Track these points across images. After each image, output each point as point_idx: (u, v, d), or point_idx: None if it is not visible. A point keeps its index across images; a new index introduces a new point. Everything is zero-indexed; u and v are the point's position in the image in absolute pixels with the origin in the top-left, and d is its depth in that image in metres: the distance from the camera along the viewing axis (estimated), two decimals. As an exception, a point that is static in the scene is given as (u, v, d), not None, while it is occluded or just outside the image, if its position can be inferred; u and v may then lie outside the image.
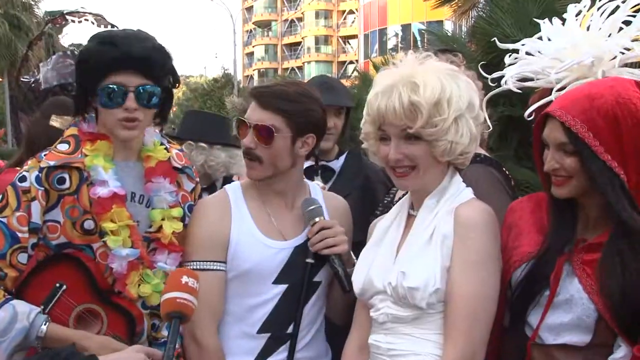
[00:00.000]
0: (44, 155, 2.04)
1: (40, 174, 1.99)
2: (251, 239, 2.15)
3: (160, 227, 2.12)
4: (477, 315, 1.78)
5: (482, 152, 2.40)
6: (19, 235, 1.96)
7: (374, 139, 1.93)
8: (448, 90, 1.79)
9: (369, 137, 1.95)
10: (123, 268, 2.02)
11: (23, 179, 2.00)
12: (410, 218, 1.96)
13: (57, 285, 1.98)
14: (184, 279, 1.80)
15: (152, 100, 2.04)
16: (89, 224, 2.02)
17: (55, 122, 2.98)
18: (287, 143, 2.13)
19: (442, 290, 1.79)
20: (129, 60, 1.98)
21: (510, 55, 2.20)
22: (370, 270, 1.93)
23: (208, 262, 2.12)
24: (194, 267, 2.11)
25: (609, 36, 2.04)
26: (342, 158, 3.09)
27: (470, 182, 1.98)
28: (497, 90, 2.22)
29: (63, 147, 2.07)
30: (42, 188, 1.99)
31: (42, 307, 1.95)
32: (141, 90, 2.01)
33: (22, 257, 1.98)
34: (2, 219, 1.96)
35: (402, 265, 1.84)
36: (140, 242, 2.07)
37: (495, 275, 1.84)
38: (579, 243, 1.83)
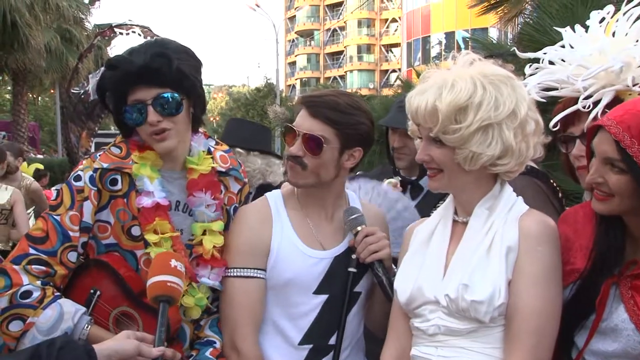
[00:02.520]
0: (99, 155, 2.09)
1: (94, 174, 2.04)
2: (292, 248, 2.14)
3: (201, 241, 2.13)
4: (543, 331, 1.73)
5: (531, 163, 2.35)
6: (71, 234, 2.00)
7: (417, 137, 1.92)
8: (478, 97, 1.73)
9: (414, 134, 1.95)
10: None
11: (78, 178, 2.05)
12: (456, 224, 1.92)
13: (92, 291, 2.01)
14: (173, 262, 1.79)
15: (174, 107, 2.04)
16: (135, 230, 2.06)
17: None
18: (335, 154, 2.12)
19: (505, 304, 1.74)
20: (132, 76, 1.99)
21: (530, 65, 2.14)
22: (419, 279, 1.88)
23: (249, 270, 2.12)
24: (234, 275, 2.11)
25: (637, 42, 1.97)
26: None
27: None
28: None
29: (116, 150, 2.11)
30: (95, 188, 2.03)
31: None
32: (159, 101, 2.02)
33: (72, 256, 2.02)
34: (56, 217, 2.01)
35: (461, 276, 1.78)
36: (183, 252, 2.09)
37: (560, 290, 1.78)
38: (629, 265, 1.74)
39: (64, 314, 1.91)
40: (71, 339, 1.82)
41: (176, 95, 2.04)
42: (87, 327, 1.93)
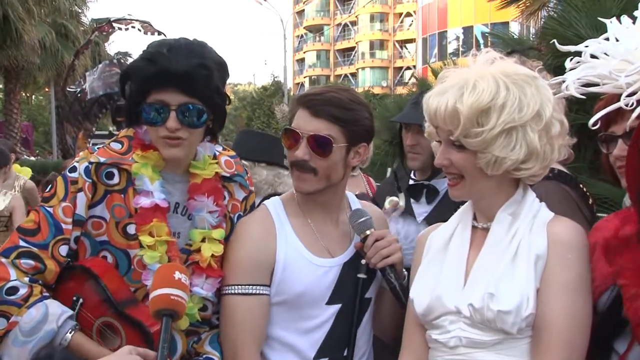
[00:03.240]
0: (97, 149, 2.11)
1: (89, 166, 2.06)
2: (300, 259, 2.13)
3: (199, 248, 2.13)
4: (574, 344, 1.72)
5: (558, 167, 2.34)
6: (63, 226, 2.02)
7: (435, 140, 1.92)
8: (502, 98, 1.72)
9: (432, 137, 1.94)
10: None
11: (73, 169, 2.08)
12: (475, 231, 1.92)
13: (74, 298, 2.01)
14: (177, 274, 1.78)
15: (197, 119, 2.05)
16: (131, 228, 2.07)
17: None
18: (343, 154, 2.12)
19: (534, 314, 1.73)
20: (168, 78, 1.99)
21: (571, 59, 2.12)
22: (437, 288, 1.88)
23: (251, 286, 2.10)
24: (236, 292, 2.10)
25: None
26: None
27: (540, 200, 1.92)
28: (558, 96, 2.15)
29: (116, 146, 2.13)
30: (90, 180, 2.05)
31: None
32: (184, 109, 2.02)
33: (63, 250, 2.03)
34: (48, 208, 2.03)
35: (485, 285, 1.77)
36: (178, 259, 2.09)
37: (590, 299, 1.78)
38: None
39: (49, 315, 1.91)
40: (69, 354, 1.82)
41: (202, 108, 2.05)
42: (70, 332, 1.93)
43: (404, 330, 2.02)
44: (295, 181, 2.16)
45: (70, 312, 1.96)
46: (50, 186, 2.09)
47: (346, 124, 2.09)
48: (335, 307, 2.13)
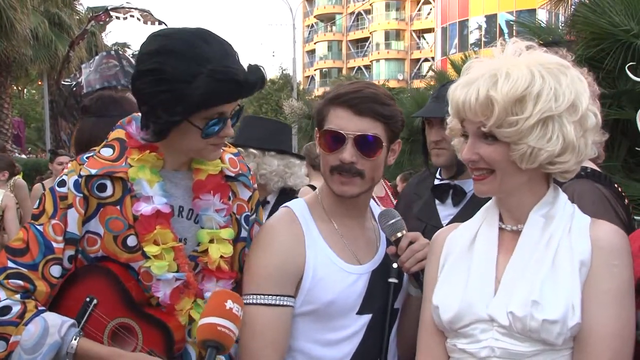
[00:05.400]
0: (86, 158, 2.09)
1: (79, 179, 2.04)
2: (330, 266, 2.12)
3: (207, 249, 2.14)
4: (621, 356, 1.72)
5: (591, 165, 2.32)
6: (54, 245, 2.02)
7: (459, 135, 1.91)
8: (537, 86, 1.72)
9: (455, 133, 1.93)
10: (167, 297, 2.06)
11: (62, 183, 2.07)
12: (502, 233, 1.91)
13: (87, 299, 2.02)
14: (229, 304, 1.78)
15: (237, 119, 2.12)
16: (132, 240, 2.06)
17: None
18: (385, 153, 2.14)
19: (579, 324, 1.73)
20: (244, 91, 2.02)
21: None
22: (467, 294, 1.86)
23: (277, 297, 2.08)
24: (259, 302, 2.08)
25: None
26: None
27: (570, 200, 1.92)
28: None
29: (107, 152, 2.11)
30: (81, 194, 2.04)
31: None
32: (235, 115, 2.08)
33: (55, 270, 2.03)
34: (38, 227, 2.03)
35: (527, 292, 1.76)
36: (187, 266, 2.10)
37: (634, 310, 1.77)
38: None
39: (49, 328, 1.92)
40: None
41: (242, 108, 2.12)
42: (75, 339, 1.94)
43: (419, 340, 2.00)
44: (337, 185, 2.13)
45: (71, 320, 1.97)
46: (38, 202, 2.08)
47: (389, 120, 2.11)
48: (366, 318, 2.13)
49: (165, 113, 1.97)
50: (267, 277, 2.09)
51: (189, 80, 1.92)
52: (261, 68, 2.05)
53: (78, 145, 2.80)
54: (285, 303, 2.08)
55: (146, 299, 2.09)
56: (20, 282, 1.97)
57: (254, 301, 2.08)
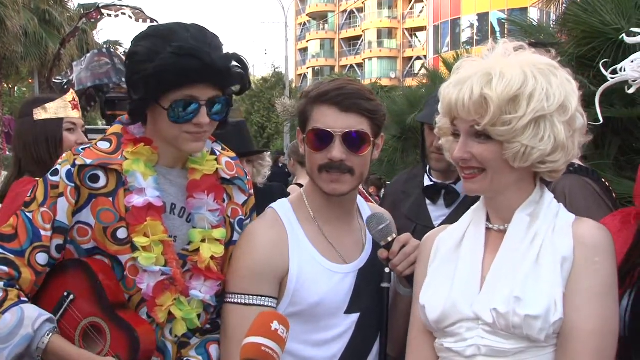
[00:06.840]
0: (82, 149, 2.10)
1: (72, 169, 2.05)
2: (316, 267, 2.13)
3: (198, 249, 2.13)
4: (604, 352, 1.74)
5: (577, 162, 2.34)
6: (42, 233, 2.03)
7: (448, 135, 1.92)
8: (530, 86, 1.75)
9: (444, 132, 1.94)
10: (150, 289, 2.06)
11: (55, 172, 2.08)
12: (489, 232, 1.93)
13: (65, 294, 2.03)
14: (275, 325, 1.76)
15: (223, 112, 2.09)
16: (122, 233, 2.06)
17: (39, 114, 3.09)
18: (371, 148, 2.14)
19: (562, 320, 1.75)
20: (210, 73, 1.99)
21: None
22: (452, 293, 1.88)
23: (255, 297, 2.10)
24: (235, 301, 2.10)
25: None
26: None
27: (561, 196, 1.94)
28: (608, 84, 2.12)
29: (104, 145, 2.12)
30: (73, 184, 2.05)
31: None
32: (212, 104, 2.04)
33: (41, 258, 2.03)
34: (28, 214, 2.05)
35: (510, 289, 1.78)
36: (175, 262, 2.10)
37: (617, 306, 1.80)
38: None
39: (24, 320, 1.93)
40: None
41: (228, 100, 2.09)
42: (47, 335, 1.94)
43: (409, 340, 2.02)
44: (326, 184, 2.13)
45: (49, 315, 1.97)
46: (31, 190, 2.10)
47: (373, 115, 2.12)
48: (354, 316, 2.14)
49: (134, 92, 2.02)
50: (244, 276, 2.11)
51: (152, 59, 1.95)
52: (243, 59, 2.05)
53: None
54: (261, 303, 2.08)
55: (122, 301, 2.07)
56: (5, 269, 1.98)
57: (232, 300, 2.11)
